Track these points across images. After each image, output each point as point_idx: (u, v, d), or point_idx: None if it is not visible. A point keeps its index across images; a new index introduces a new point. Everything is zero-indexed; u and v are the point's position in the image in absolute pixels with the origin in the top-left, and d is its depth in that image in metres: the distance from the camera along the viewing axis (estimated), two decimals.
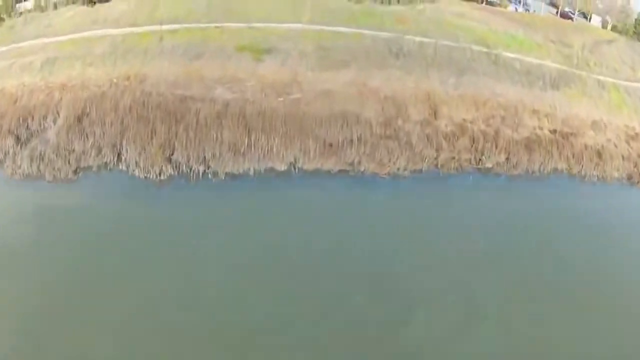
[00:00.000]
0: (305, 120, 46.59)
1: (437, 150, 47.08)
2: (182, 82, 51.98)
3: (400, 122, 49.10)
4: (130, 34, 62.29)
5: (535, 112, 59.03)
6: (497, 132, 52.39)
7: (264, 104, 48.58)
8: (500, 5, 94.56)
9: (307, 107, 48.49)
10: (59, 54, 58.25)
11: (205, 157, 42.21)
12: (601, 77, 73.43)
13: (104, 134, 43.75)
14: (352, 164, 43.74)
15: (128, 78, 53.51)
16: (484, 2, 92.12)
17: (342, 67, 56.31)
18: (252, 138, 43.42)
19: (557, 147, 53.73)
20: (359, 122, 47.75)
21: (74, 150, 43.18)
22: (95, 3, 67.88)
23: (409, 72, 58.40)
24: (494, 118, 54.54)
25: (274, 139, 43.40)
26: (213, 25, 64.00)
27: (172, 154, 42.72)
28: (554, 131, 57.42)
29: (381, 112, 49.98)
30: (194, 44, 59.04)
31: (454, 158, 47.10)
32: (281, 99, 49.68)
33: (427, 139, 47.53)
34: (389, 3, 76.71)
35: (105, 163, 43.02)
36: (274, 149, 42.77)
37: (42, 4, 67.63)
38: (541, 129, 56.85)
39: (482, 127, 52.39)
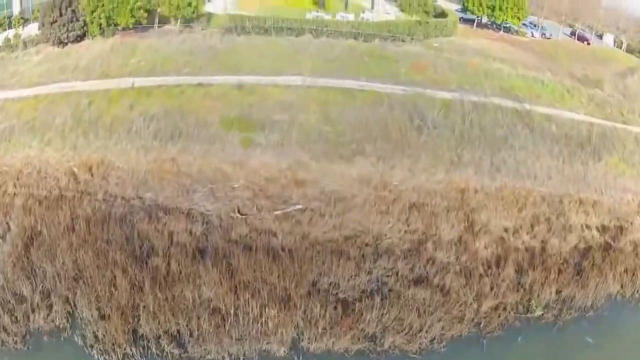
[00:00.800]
0: (308, 254, 34.22)
1: (478, 296, 34.88)
2: (153, 180, 39.32)
3: (430, 248, 36.82)
4: (98, 93, 50.82)
5: (581, 203, 47.04)
6: (543, 246, 40.26)
7: (256, 224, 36.15)
8: (517, 32, 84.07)
9: (311, 227, 36.16)
10: (18, 122, 47.06)
11: (179, 333, 29.68)
12: (637, 129, 62.63)
13: (55, 276, 30.99)
14: (373, 337, 31.43)
15: (90, 169, 40.96)
16: (501, 30, 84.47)
17: (355, 153, 43.85)
18: (241, 301, 30.89)
19: (610, 261, 40.92)
20: (379, 254, 35.43)
21: (21, 299, 30.42)
22: (66, 44, 57.93)
23: (437, 155, 46.12)
24: (539, 222, 42.48)
25: (268, 302, 30.93)
26: (196, 81, 51.09)
27: (138, 323, 30.05)
28: (602, 229, 45.24)
29: (406, 231, 37.68)
30: (170, 115, 46.28)
31: (498, 307, 34.96)
32: (278, 212, 37.26)
33: (466, 278, 35.29)
34: (402, 40, 63.80)
35: (58, 328, 30.40)
36: (269, 323, 30.31)
37: (12, 42, 58.87)
38: (589, 228, 44.65)
39: (526, 239, 40.31)
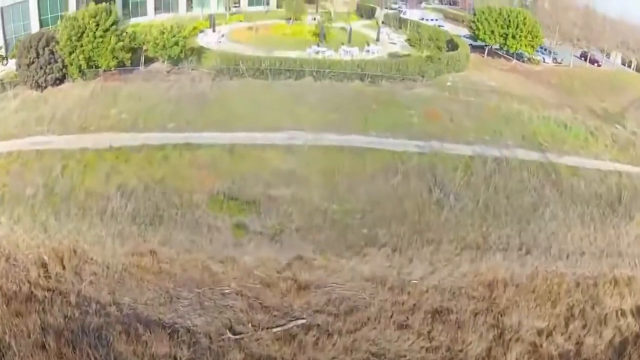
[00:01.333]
0: None
1: None
2: (131, 280, 32.50)
3: None
4: (74, 154, 43.89)
5: (615, 283, 40.10)
6: (578, 349, 33.50)
7: (252, 347, 29.15)
8: (530, 60, 79.14)
9: (317, 351, 29.23)
10: None
11: None
12: None
13: None
14: None
15: (62, 260, 34.30)
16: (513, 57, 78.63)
17: (366, 241, 36.89)
18: None
19: None
20: None
21: None
22: (45, 87, 51.93)
23: (460, 238, 39.10)
24: (574, 316, 35.64)
25: None
26: (182, 139, 44.18)
27: None
28: (637, 312, 38.32)
29: (428, 349, 30.82)
30: (151, 191, 39.37)
31: None
32: (278, 329, 30.30)
33: None
34: (413, 80, 56.77)
35: None
36: None
37: None
38: (624, 315, 37.74)
39: (560, 341, 33.46)
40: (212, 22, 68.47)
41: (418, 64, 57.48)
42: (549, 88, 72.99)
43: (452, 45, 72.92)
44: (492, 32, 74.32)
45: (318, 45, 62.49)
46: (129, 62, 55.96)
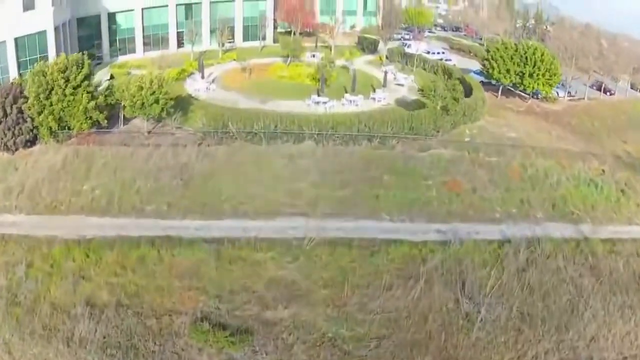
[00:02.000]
0: None
1: None
2: None
3: None
4: (40, 246, 36.59)
5: None
6: None
7: None
8: (546, 98, 72.61)
9: None
10: None
11: None
12: None
13: None
14: None
15: None
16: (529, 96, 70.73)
17: None
18: None
19: None
20: None
21: None
22: (16, 149, 45.01)
23: None
24: None
25: None
26: (161, 230, 35.83)
27: None
28: None
29: None
30: (123, 313, 30.73)
31: None
32: None
33: None
34: (426, 135, 48.19)
35: None
36: None
37: None
38: None
39: None
40: (200, 66, 59.05)
41: (433, 118, 48.67)
42: (570, 132, 65.84)
43: (465, 86, 64.47)
44: (508, 70, 66.08)
45: (318, 94, 52.93)
46: (105, 121, 47.96)
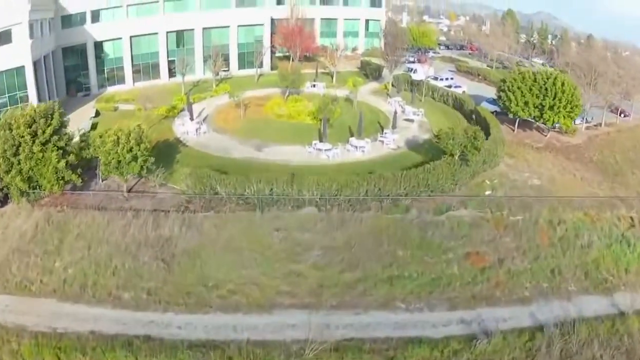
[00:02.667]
0: None
1: None
2: None
3: None
4: (8, 344, 29.98)
5: None
6: None
7: None
8: (566, 131, 65.78)
9: None
10: None
11: None
12: None
13: None
14: None
15: None
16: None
17: None
18: None
19: None
20: None
21: None
22: None
23: None
24: None
25: None
26: (141, 326, 29.85)
27: None
28: None
29: None
30: None
31: None
32: None
33: None
34: (442, 190, 41.30)
35: None
36: None
37: None
38: None
39: None
40: (189, 106, 52.15)
41: (451, 172, 41.57)
42: (594, 170, 59.09)
43: (480, 120, 57.63)
44: (526, 103, 59.28)
45: (321, 141, 45.85)
46: (80, 180, 41.16)
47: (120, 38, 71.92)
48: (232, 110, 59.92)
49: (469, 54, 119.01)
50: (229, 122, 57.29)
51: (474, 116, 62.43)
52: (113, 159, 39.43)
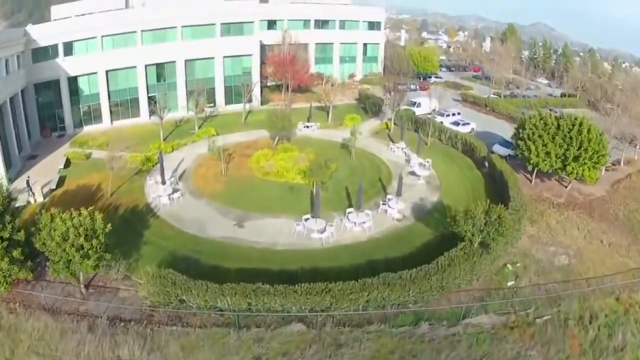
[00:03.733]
0: None
1: None
2: None
3: None
4: None
5: None
6: None
7: None
8: (587, 177, 53.72)
9: None
10: None
11: None
12: None
13: None
14: None
15: None
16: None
17: None
18: None
19: None
20: None
21: None
22: None
23: None
24: None
25: None
26: None
27: None
28: None
29: None
30: None
31: None
32: None
33: None
34: (458, 284, 31.78)
35: None
36: None
37: None
38: None
39: None
40: (160, 166, 42.85)
41: (470, 266, 32.25)
42: (621, 231, 50.10)
43: (494, 173, 48.25)
44: (548, 154, 49.95)
45: (312, 217, 36.46)
46: (30, 274, 33.42)
47: (95, 73, 62.66)
48: (214, 163, 50.25)
49: (472, 76, 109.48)
50: (208, 180, 47.95)
51: (486, 163, 53.52)
52: (62, 258, 29.89)
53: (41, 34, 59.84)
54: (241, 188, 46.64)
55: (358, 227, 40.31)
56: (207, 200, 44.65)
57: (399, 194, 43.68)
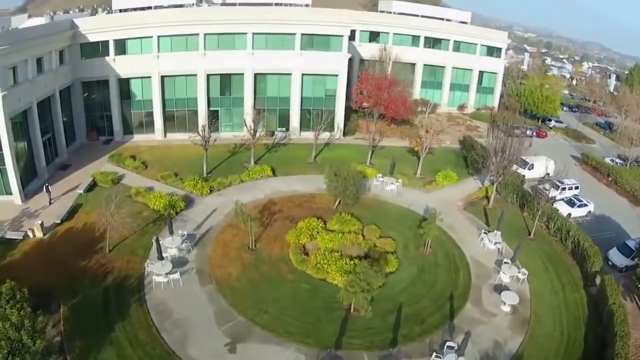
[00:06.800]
0: None
1: None
2: None
3: None
4: None
5: None
6: None
7: None
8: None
9: None
10: None
11: None
12: None
13: None
14: None
15: None
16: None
17: None
18: None
19: None
20: None
21: None
22: None
23: None
24: None
25: None
26: None
27: None
28: None
29: None
30: None
31: None
32: None
33: None
34: None
35: None
36: None
37: None
38: None
39: None
40: (158, 248, 29.24)
41: None
42: None
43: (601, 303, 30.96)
44: None
45: (329, 353, 21.16)
46: None
47: (149, 76, 50.27)
48: (241, 233, 35.86)
49: (595, 123, 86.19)
50: (228, 254, 34.68)
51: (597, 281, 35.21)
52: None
53: (90, 28, 49.72)
54: (261, 279, 32.25)
55: None
56: (212, 291, 31.10)
57: (461, 354, 26.56)
